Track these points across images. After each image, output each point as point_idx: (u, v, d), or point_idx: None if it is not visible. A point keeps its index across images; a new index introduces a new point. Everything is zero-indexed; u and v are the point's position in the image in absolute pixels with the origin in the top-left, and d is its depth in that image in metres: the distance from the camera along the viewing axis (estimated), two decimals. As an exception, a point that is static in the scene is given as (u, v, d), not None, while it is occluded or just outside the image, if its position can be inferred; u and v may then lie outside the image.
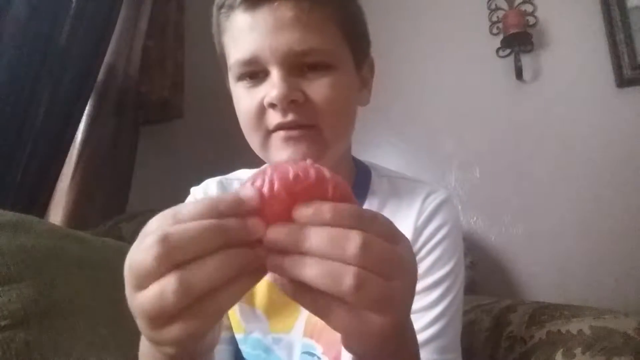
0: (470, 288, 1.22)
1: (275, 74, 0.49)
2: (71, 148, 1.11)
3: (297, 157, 0.50)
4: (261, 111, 0.51)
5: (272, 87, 0.49)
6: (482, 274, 1.37)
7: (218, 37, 0.57)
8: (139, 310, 0.27)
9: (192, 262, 0.26)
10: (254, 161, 0.60)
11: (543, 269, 1.40)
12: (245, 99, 0.53)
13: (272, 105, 0.50)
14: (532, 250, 1.43)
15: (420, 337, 0.52)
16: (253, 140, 0.55)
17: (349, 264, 0.26)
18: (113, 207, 1.22)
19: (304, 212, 0.28)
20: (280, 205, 0.28)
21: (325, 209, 0.27)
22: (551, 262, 1.39)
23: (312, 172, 0.28)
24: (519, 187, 1.48)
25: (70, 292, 0.69)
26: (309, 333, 0.58)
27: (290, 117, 0.50)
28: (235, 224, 0.27)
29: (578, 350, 0.73)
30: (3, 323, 0.58)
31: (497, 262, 1.47)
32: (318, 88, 0.50)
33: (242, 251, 0.27)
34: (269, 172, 0.28)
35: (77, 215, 1.12)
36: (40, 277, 0.65)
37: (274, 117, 0.51)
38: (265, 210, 0.27)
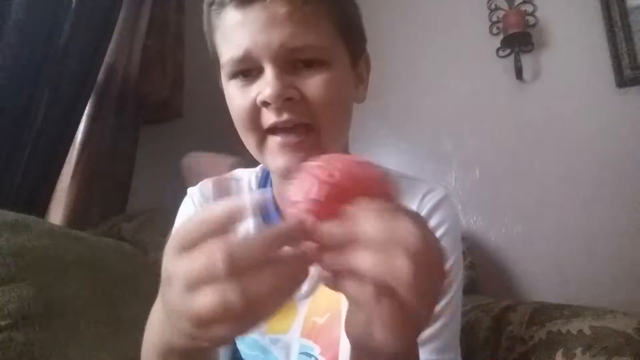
0: (470, 288, 1.22)
1: (269, 72, 0.48)
2: (71, 148, 1.11)
3: (293, 165, 0.48)
4: (255, 110, 0.50)
5: (266, 85, 0.47)
6: (482, 274, 1.37)
7: (209, 35, 0.55)
8: (192, 312, 0.27)
9: (252, 269, 0.26)
10: (253, 161, 0.60)
11: (543, 269, 1.40)
12: (238, 97, 0.51)
13: (266, 104, 0.49)
14: (532, 250, 1.43)
15: (419, 337, 0.52)
16: (248, 140, 0.53)
17: (404, 254, 0.26)
18: (113, 207, 1.22)
19: (351, 210, 0.28)
20: (330, 206, 0.29)
21: (374, 205, 0.28)
22: (551, 262, 1.39)
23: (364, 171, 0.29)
24: (519, 187, 1.48)
25: (70, 292, 0.69)
26: (306, 334, 0.58)
27: (285, 116, 0.49)
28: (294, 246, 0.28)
29: (578, 350, 0.73)
30: (3, 323, 0.58)
31: (497, 262, 1.47)
32: (313, 85, 0.49)
33: (295, 258, 0.28)
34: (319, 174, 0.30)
35: (77, 215, 1.12)
36: (40, 277, 0.65)
37: (268, 117, 0.49)
38: (317, 212, 0.29)
